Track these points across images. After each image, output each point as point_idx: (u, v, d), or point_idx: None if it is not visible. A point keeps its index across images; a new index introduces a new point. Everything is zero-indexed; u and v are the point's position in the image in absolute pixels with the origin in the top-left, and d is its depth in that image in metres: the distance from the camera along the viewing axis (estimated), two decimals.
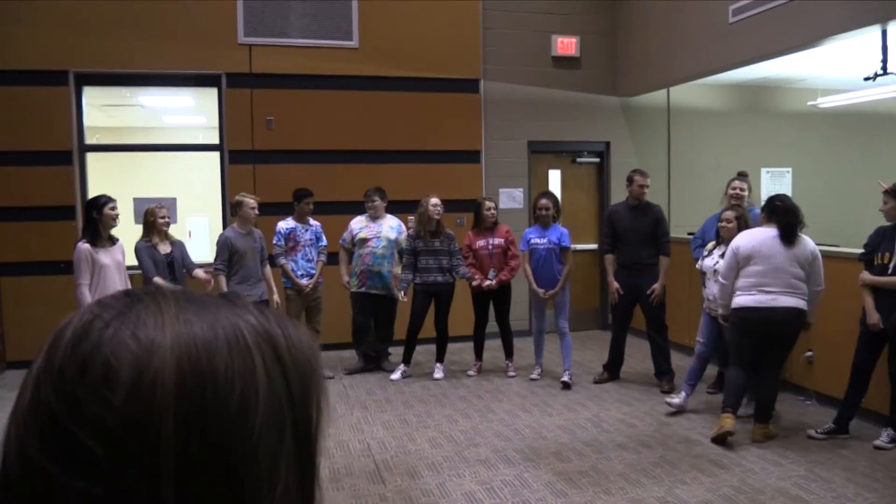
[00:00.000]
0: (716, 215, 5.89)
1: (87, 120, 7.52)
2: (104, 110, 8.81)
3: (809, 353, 5.74)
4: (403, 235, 6.78)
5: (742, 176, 6.08)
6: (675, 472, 4.43)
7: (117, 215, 5.36)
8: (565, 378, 6.31)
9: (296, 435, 0.50)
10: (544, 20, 8.20)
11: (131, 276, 5.66)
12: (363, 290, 6.68)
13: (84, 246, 5.17)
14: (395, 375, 6.66)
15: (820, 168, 9.07)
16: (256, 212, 6.09)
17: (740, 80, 8.34)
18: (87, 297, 5.14)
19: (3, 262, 6.98)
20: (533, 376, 6.62)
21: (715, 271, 5.28)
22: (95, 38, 7.04)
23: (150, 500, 0.42)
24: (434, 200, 6.50)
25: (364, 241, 6.64)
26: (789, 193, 9.09)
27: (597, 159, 8.67)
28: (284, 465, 0.48)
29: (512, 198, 8.20)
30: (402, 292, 6.61)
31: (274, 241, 6.43)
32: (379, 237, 6.65)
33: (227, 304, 0.52)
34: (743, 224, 5.30)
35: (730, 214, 5.41)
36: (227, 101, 7.49)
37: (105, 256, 5.23)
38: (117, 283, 5.30)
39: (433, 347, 6.84)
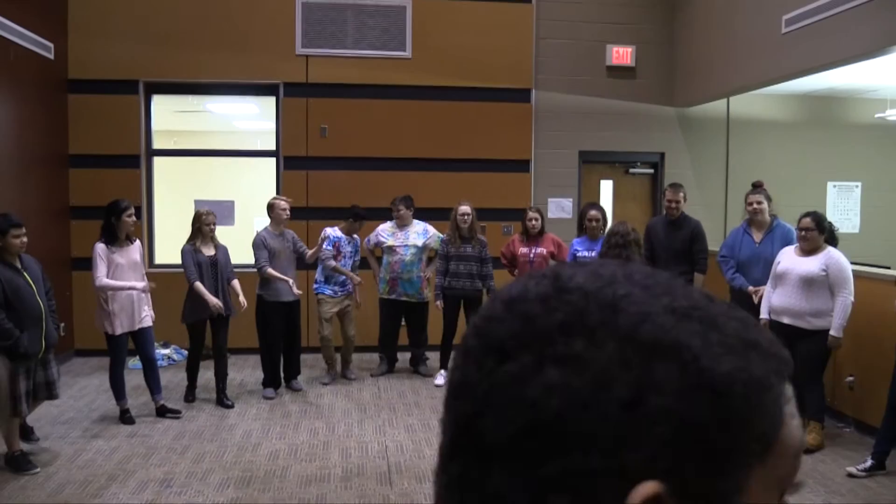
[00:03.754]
0: (740, 227, 5.84)
1: (164, 124, 8.02)
2: (178, 115, 9.34)
3: (850, 379, 5.50)
4: (431, 239, 6.90)
5: (757, 187, 5.90)
6: None
7: (134, 221, 5.67)
8: None
9: None
10: (599, 30, 8.15)
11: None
12: (393, 296, 6.86)
13: (101, 245, 5.47)
14: (439, 381, 6.79)
15: (892, 183, 8.60)
16: (287, 214, 6.34)
17: (804, 90, 8.03)
18: (106, 282, 5.45)
19: (75, 258, 7.54)
20: None
21: None
22: (163, 50, 7.52)
23: None
24: (463, 209, 6.60)
25: (392, 248, 6.80)
26: (857, 209, 8.73)
27: (651, 170, 8.54)
28: None
29: (560, 207, 8.19)
30: (438, 300, 6.74)
31: (324, 246, 6.60)
32: (406, 245, 6.79)
33: None
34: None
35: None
36: (284, 110, 7.84)
37: (120, 256, 5.50)
38: (131, 280, 5.58)
39: None
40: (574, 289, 0.43)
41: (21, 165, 6.65)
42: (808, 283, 4.98)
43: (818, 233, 5.05)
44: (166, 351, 7.57)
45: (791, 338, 4.82)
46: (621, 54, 8.16)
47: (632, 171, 8.54)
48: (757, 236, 5.81)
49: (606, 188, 8.52)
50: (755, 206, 5.76)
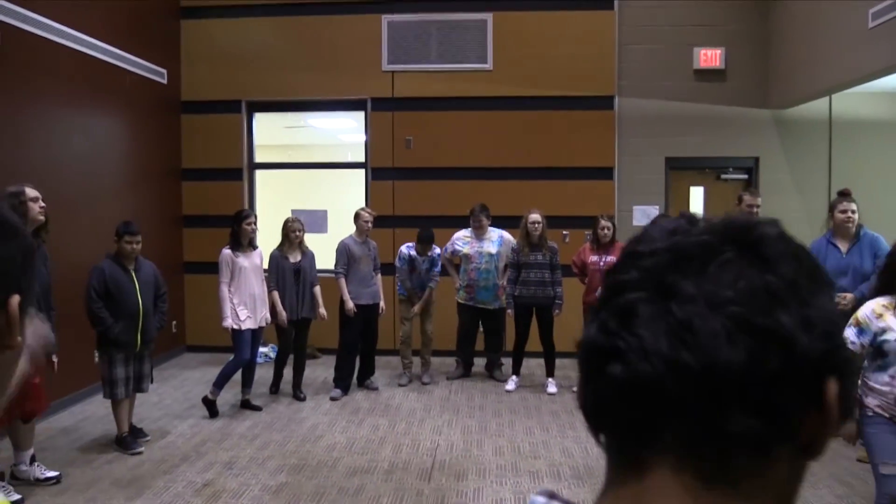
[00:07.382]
0: (822, 239, 5.44)
1: (274, 139, 8.62)
2: (286, 131, 10.04)
3: None
4: (506, 246, 6.99)
5: (846, 196, 5.47)
6: None
7: (253, 229, 6.21)
8: None
9: None
10: (685, 33, 7.94)
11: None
12: (470, 303, 7.03)
13: (226, 251, 6.10)
14: (510, 386, 6.90)
15: None
16: (370, 225, 6.70)
17: None
18: (226, 293, 6.04)
19: (187, 262, 8.32)
20: None
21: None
22: (263, 72, 8.17)
23: None
24: (533, 217, 6.66)
25: (468, 256, 6.97)
26: None
27: (745, 175, 8.18)
28: None
29: (646, 215, 8.04)
30: (510, 308, 6.83)
31: (397, 265, 7.02)
32: (481, 253, 6.93)
33: None
34: None
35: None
36: (371, 123, 8.25)
37: (244, 260, 6.12)
38: (253, 282, 6.16)
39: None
40: None
41: (140, 179, 7.46)
42: None
43: None
44: (265, 349, 8.14)
45: None
46: (710, 56, 7.91)
47: (723, 176, 8.24)
48: (843, 247, 5.45)
49: (697, 195, 8.27)
50: (850, 214, 5.34)
